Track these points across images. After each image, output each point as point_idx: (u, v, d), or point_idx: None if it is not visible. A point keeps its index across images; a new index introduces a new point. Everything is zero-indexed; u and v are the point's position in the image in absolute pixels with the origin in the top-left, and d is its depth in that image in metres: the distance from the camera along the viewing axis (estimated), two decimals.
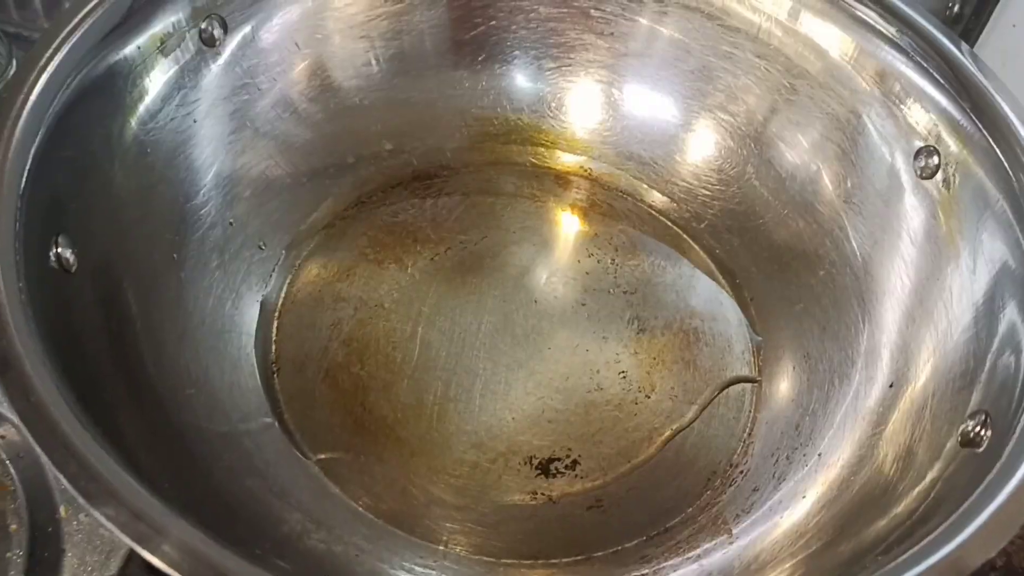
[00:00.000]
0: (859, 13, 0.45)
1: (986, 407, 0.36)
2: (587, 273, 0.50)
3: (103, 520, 0.28)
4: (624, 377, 0.46)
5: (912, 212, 0.44)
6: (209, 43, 0.45)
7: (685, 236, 0.52)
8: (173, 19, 0.43)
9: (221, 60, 0.46)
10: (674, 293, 0.49)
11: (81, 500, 0.28)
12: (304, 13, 0.48)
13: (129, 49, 0.41)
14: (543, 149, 0.54)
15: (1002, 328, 0.37)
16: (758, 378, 0.46)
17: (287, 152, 0.49)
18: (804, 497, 0.41)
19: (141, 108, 0.42)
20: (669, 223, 0.52)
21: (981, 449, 0.35)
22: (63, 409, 0.30)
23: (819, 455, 0.42)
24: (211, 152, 0.46)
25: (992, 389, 0.36)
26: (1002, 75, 0.53)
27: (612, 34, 0.52)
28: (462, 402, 0.44)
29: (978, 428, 0.35)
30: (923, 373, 0.40)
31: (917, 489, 0.36)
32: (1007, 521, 0.30)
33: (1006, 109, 0.41)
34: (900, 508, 0.35)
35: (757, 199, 0.50)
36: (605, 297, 0.49)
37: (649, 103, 0.52)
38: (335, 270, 0.48)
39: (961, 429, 0.36)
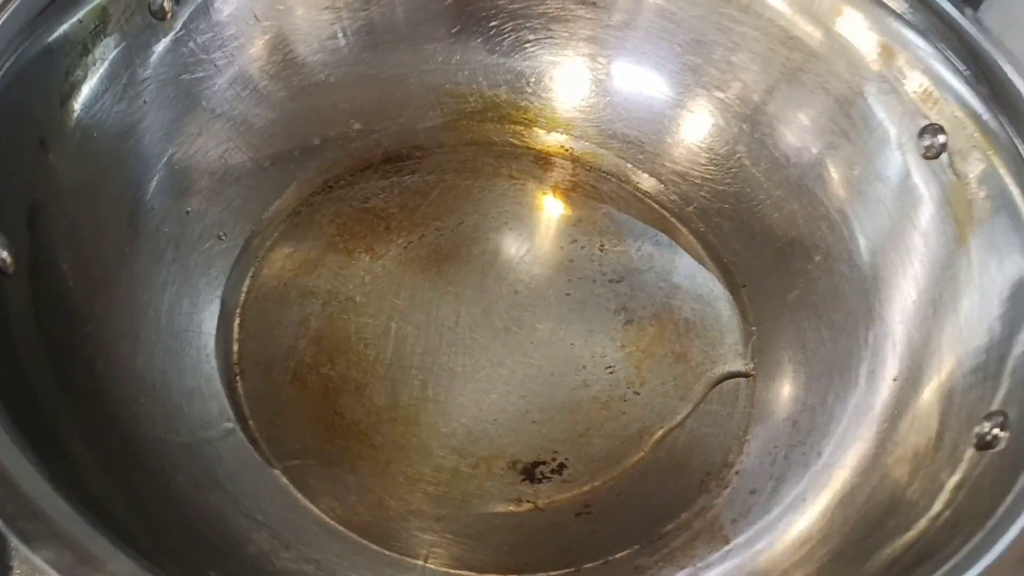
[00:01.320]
0: None
1: (1004, 408, 0.34)
2: (571, 260, 0.47)
3: (44, 565, 0.25)
4: (612, 372, 0.43)
5: (917, 195, 0.41)
6: (159, 16, 0.42)
7: (673, 219, 0.49)
8: None
9: (173, 34, 0.42)
10: (662, 281, 0.47)
11: (18, 543, 0.25)
12: None
13: (67, 25, 0.38)
14: (522, 128, 0.51)
15: (1020, 323, 0.35)
16: (752, 372, 0.44)
17: (247, 134, 0.45)
18: (805, 500, 0.38)
19: (84, 90, 0.39)
20: (656, 205, 0.49)
21: (998, 450, 0.33)
22: None
23: (820, 455, 0.40)
24: (164, 136, 0.42)
25: (1010, 388, 0.34)
26: (1005, 43, 0.51)
27: (596, 4, 0.49)
28: (440, 403, 0.42)
29: (995, 430, 0.33)
30: (931, 368, 0.38)
31: (934, 497, 0.33)
32: None
33: (1017, 82, 0.39)
34: (917, 519, 0.33)
35: (750, 180, 0.47)
36: (590, 286, 0.46)
37: (635, 78, 0.49)
38: (301, 261, 0.45)
39: (976, 431, 0.34)
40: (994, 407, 0.34)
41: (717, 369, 0.44)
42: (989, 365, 0.35)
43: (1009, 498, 0.29)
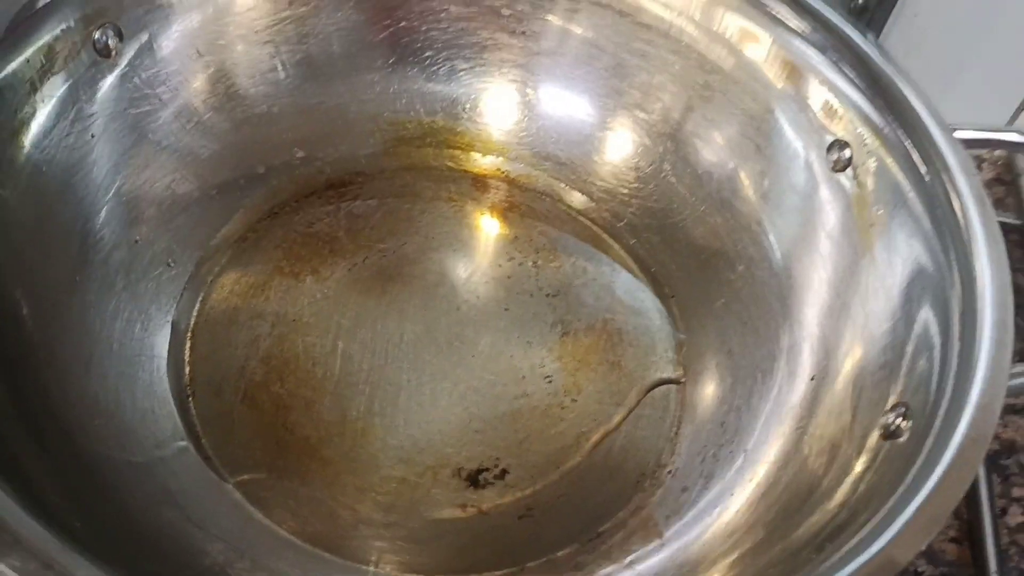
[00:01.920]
0: (770, 8, 0.46)
1: (905, 399, 0.36)
2: (509, 277, 0.49)
3: (10, 573, 0.26)
4: (550, 382, 0.46)
5: (827, 206, 0.44)
6: (104, 53, 0.43)
7: (605, 235, 0.51)
8: (62, 29, 0.41)
9: (118, 71, 0.44)
10: (596, 294, 0.49)
11: None
12: (205, 19, 0.46)
13: (16, 64, 0.39)
14: (459, 152, 0.53)
15: (918, 320, 0.38)
16: (682, 379, 0.46)
17: (193, 164, 0.47)
18: (733, 495, 0.41)
19: (33, 126, 0.40)
20: (589, 222, 0.52)
21: (902, 440, 0.35)
22: None
23: (745, 452, 0.42)
24: (111, 168, 0.44)
25: (910, 381, 0.37)
26: (906, 64, 0.54)
27: (524, 33, 0.51)
28: (387, 416, 0.43)
29: (899, 420, 0.36)
30: (843, 366, 0.41)
31: (844, 483, 0.36)
32: (934, 514, 0.31)
33: (914, 101, 0.42)
34: (829, 503, 0.35)
35: (675, 196, 0.50)
36: (528, 301, 0.48)
37: (564, 102, 0.52)
38: (249, 285, 0.47)
39: (882, 422, 0.37)
40: (898, 399, 0.37)
41: (649, 376, 0.47)
42: (893, 361, 0.38)
43: (907, 479, 0.32)
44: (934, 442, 0.32)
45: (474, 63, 0.52)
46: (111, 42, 0.43)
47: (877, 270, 0.41)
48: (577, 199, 0.52)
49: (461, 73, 0.52)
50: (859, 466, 0.36)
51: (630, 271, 0.50)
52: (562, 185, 0.52)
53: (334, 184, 0.51)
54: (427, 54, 0.52)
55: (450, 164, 0.53)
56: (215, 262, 0.47)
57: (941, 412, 0.33)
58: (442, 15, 0.51)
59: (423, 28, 0.51)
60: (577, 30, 0.50)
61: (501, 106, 0.53)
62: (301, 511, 0.40)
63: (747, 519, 0.39)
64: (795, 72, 0.45)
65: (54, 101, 0.41)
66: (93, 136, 0.43)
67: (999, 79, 0.60)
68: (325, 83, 0.50)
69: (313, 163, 0.51)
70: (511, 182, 0.53)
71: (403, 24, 0.51)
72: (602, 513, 0.42)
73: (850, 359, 0.41)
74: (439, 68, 0.52)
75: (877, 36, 0.55)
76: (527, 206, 0.52)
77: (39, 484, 0.33)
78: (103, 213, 0.43)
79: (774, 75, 0.46)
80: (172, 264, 0.45)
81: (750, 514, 0.39)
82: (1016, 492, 0.48)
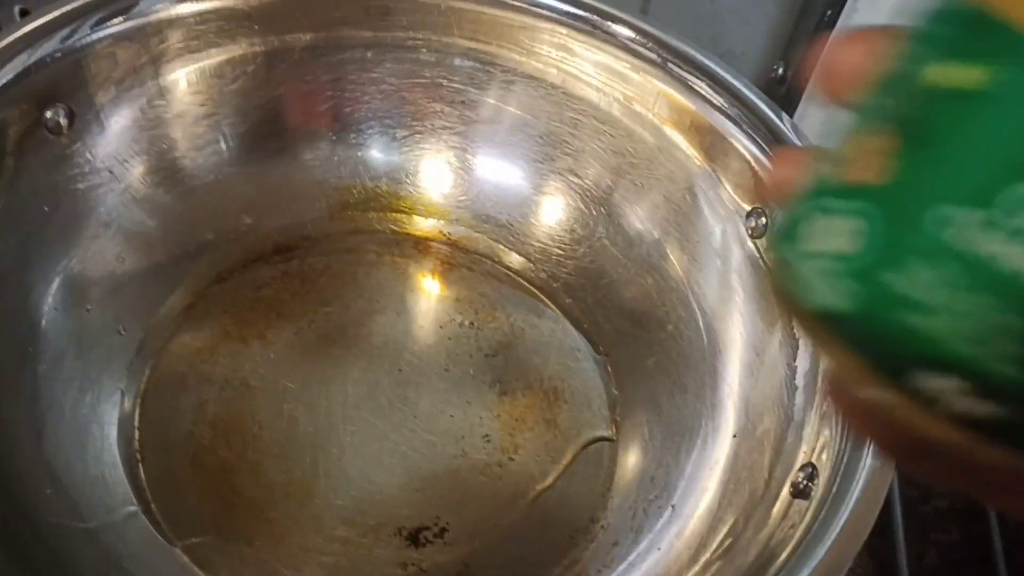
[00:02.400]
0: (690, 83, 0.49)
1: (812, 460, 0.39)
2: (449, 338, 0.51)
3: None
4: (488, 441, 0.48)
5: (746, 269, 0.47)
6: (55, 131, 0.45)
7: (542, 295, 0.54)
8: (14, 109, 0.43)
9: (69, 147, 0.46)
10: (533, 353, 0.51)
11: None
12: (151, 97, 0.48)
13: None
14: (402, 215, 0.55)
15: (823, 383, 0.41)
16: (614, 437, 0.49)
17: (142, 234, 0.49)
18: (660, 549, 0.43)
19: None
20: (526, 283, 0.54)
21: (809, 498, 0.38)
22: None
23: (672, 507, 0.45)
24: (62, 241, 0.45)
25: (818, 442, 0.39)
26: (825, 128, 0.57)
27: (463, 102, 0.54)
28: (331, 477, 0.45)
29: (806, 480, 0.39)
30: (761, 425, 0.44)
31: (759, 538, 0.38)
32: (831, 568, 0.33)
33: None
34: (747, 557, 0.38)
35: (608, 258, 0.53)
36: (468, 361, 0.50)
37: (501, 168, 0.55)
38: (198, 350, 0.48)
39: (792, 480, 0.39)
40: (806, 459, 0.39)
41: (584, 434, 0.49)
42: (804, 421, 0.41)
43: (808, 537, 0.34)
44: (832, 502, 0.35)
45: (414, 131, 0.54)
46: (62, 121, 0.45)
47: (793, 331, 0.44)
48: (515, 260, 0.55)
49: (402, 141, 0.55)
50: (772, 522, 0.39)
51: (565, 331, 0.53)
52: (501, 247, 0.55)
53: (281, 248, 0.53)
54: (370, 123, 0.54)
55: (393, 227, 0.55)
56: (164, 328, 0.49)
57: (840, 473, 0.36)
58: (383, 86, 0.53)
59: (364, 98, 0.54)
60: (512, 100, 0.53)
61: (441, 171, 0.55)
62: (247, 572, 0.42)
63: (675, 570, 0.41)
64: (715, 144, 0.48)
65: (6, 178, 0.43)
66: (45, 210, 0.45)
67: None
68: (270, 153, 0.52)
69: (260, 229, 0.53)
70: (452, 244, 0.55)
71: (346, 95, 0.53)
72: (537, 568, 0.44)
73: (768, 418, 0.44)
74: (381, 136, 0.54)
75: (796, 104, 0.59)
76: (467, 267, 0.54)
77: None
78: (55, 285, 0.45)
79: (695, 147, 0.48)
80: (122, 332, 0.47)
81: (677, 566, 0.42)
82: (932, 536, 0.51)
